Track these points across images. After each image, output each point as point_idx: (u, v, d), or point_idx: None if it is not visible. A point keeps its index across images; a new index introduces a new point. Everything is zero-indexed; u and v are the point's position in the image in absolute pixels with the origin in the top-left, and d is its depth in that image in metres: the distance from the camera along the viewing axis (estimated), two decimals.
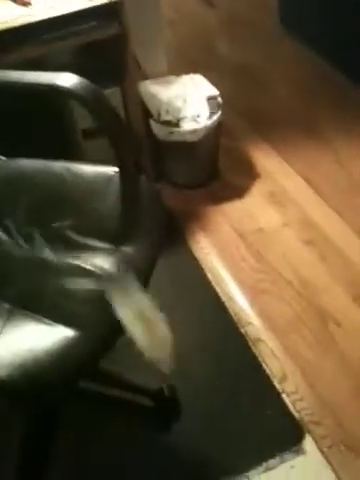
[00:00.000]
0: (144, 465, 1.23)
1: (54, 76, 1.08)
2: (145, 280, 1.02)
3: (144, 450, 1.26)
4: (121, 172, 1.06)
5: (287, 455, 1.24)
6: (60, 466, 1.21)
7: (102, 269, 0.96)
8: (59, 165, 1.15)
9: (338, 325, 1.48)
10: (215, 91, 1.84)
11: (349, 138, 2.13)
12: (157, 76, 1.89)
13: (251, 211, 1.86)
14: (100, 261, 0.98)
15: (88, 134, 1.74)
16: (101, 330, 0.88)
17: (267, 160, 2.06)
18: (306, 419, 1.30)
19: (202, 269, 1.67)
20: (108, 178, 1.10)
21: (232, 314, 1.54)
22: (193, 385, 1.37)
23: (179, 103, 1.79)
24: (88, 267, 0.96)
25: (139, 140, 1.79)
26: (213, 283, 1.63)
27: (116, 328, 0.91)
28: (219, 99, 1.83)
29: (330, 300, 1.54)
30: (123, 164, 1.06)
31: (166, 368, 0.83)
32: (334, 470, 1.21)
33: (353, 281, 1.59)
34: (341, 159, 2.02)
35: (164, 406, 1.32)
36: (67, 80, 1.07)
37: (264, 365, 1.41)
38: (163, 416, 1.32)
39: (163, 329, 0.83)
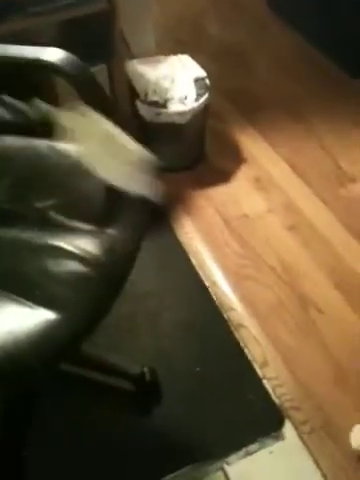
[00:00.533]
0: (124, 450, 1.23)
1: (39, 50, 1.05)
2: (130, 263, 1.00)
3: (124, 434, 1.25)
4: None
5: (267, 440, 1.25)
6: (40, 450, 1.20)
7: (85, 251, 0.94)
8: (43, 143, 1.12)
9: (319, 311, 1.48)
10: (203, 72, 1.81)
11: (335, 125, 2.12)
12: (145, 55, 1.84)
13: (236, 196, 1.85)
14: (83, 243, 0.96)
15: None
16: (83, 313, 0.86)
17: (253, 145, 2.04)
18: (286, 405, 1.30)
19: (186, 253, 1.66)
20: None
21: (215, 299, 1.53)
22: (175, 369, 1.36)
23: (167, 84, 1.76)
24: (71, 249, 0.94)
25: (125, 120, 1.76)
26: (197, 267, 1.62)
27: (98, 311, 0.89)
28: (207, 81, 1.80)
29: (312, 286, 1.54)
30: None
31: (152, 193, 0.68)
32: (313, 455, 1.22)
33: (335, 268, 1.59)
34: (327, 146, 2.02)
35: (145, 390, 1.32)
36: (53, 54, 1.04)
37: (246, 350, 1.41)
38: (144, 400, 1.31)
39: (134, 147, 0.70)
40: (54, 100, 1.67)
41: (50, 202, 1.03)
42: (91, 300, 0.89)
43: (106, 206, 1.01)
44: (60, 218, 1.00)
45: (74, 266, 0.92)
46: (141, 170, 0.62)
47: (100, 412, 1.28)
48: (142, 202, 1.05)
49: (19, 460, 1.15)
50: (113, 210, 1.01)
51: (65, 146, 1.12)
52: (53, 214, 1.01)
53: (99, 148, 0.58)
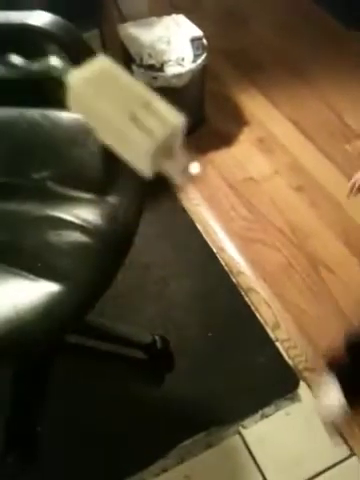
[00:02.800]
0: (140, 418, 1.23)
1: (25, 15, 1.00)
2: (132, 231, 0.98)
3: (138, 403, 1.25)
4: None
5: (282, 402, 1.24)
6: (52, 421, 1.20)
7: (85, 220, 0.92)
8: (36, 113, 1.08)
9: (329, 270, 1.46)
10: (199, 32, 1.75)
11: (338, 80, 2.06)
12: (137, 18, 1.78)
13: (240, 159, 1.81)
14: (83, 212, 0.93)
15: None
16: (86, 283, 0.85)
17: (255, 105, 1.99)
18: (300, 366, 1.29)
19: (192, 220, 1.63)
20: (86, 127, 1.04)
21: (223, 264, 1.51)
22: (186, 336, 1.35)
23: (162, 46, 1.70)
24: (71, 219, 0.92)
25: None
26: (203, 234, 1.59)
27: (101, 281, 0.88)
28: (204, 40, 1.74)
29: (321, 246, 1.52)
30: None
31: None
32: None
33: (344, 226, 1.56)
34: (330, 102, 1.96)
35: (157, 358, 1.31)
36: (39, 18, 1.00)
37: (257, 314, 1.39)
38: (157, 368, 1.31)
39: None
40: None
41: (47, 172, 1.00)
42: (94, 270, 0.87)
43: (105, 174, 0.98)
44: (58, 188, 0.98)
45: (75, 236, 0.90)
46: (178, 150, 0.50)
47: (114, 382, 1.28)
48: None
49: (33, 434, 1.15)
50: (112, 178, 0.98)
51: (60, 114, 1.09)
52: (51, 184, 0.98)
53: (123, 123, 0.45)
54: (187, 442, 1.19)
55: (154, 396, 1.26)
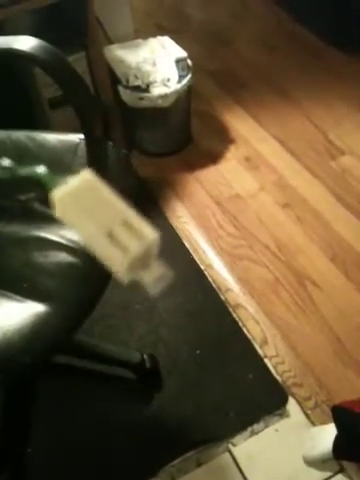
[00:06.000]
0: (129, 438, 1.22)
1: (11, 39, 1.02)
2: None
3: (128, 423, 1.25)
4: (87, 139, 1.02)
5: (271, 419, 1.25)
6: (42, 441, 1.20)
7: (71, 240, 0.93)
8: (22, 134, 1.10)
9: (316, 286, 1.47)
10: (183, 53, 1.78)
11: (322, 99, 2.10)
12: (123, 40, 1.81)
13: (226, 177, 1.83)
14: (69, 232, 0.94)
15: (55, 103, 1.68)
16: (72, 304, 0.85)
17: (240, 124, 2.02)
18: (288, 382, 1.30)
19: (179, 238, 1.65)
20: (74, 146, 1.05)
21: (211, 281, 1.52)
22: (175, 354, 1.35)
23: (148, 67, 1.73)
24: (57, 239, 0.92)
25: (107, 107, 1.74)
26: (191, 251, 1.60)
27: (88, 301, 0.88)
28: (188, 61, 1.77)
29: (307, 262, 1.53)
30: (89, 131, 1.01)
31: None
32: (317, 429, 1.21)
33: (329, 242, 1.58)
34: (315, 120, 1.99)
35: (146, 377, 1.31)
36: (25, 43, 1.01)
37: (245, 330, 1.40)
38: (146, 387, 1.31)
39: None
40: (37, 93, 1.65)
41: (33, 194, 1.01)
42: (80, 289, 0.88)
43: None
44: (45, 209, 0.99)
45: (61, 256, 0.91)
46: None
47: (103, 402, 1.28)
48: (126, 191, 1.04)
49: (23, 455, 1.14)
50: None
51: (46, 135, 1.11)
52: (37, 205, 0.99)
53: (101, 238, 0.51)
54: (177, 461, 1.19)
55: (143, 415, 1.26)
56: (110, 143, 1.09)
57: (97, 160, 1.00)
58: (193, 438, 1.23)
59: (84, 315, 0.89)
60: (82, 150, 1.03)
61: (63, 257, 0.91)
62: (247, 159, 1.88)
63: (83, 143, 1.02)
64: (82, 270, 0.89)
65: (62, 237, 0.94)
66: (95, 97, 1.60)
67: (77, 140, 1.05)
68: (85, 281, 0.89)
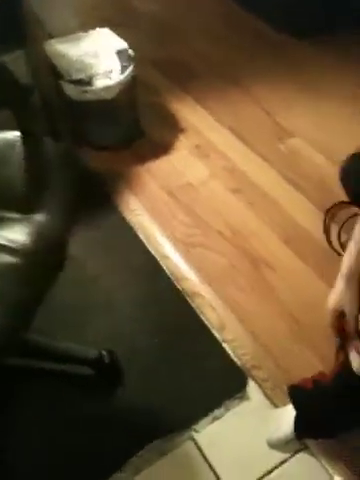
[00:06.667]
0: (92, 434, 1.22)
1: None
2: (61, 247, 0.98)
3: (90, 419, 1.24)
4: (24, 137, 1.00)
5: (232, 402, 1.26)
6: (4, 444, 1.18)
7: (12, 240, 0.91)
8: None
9: (271, 269, 1.49)
10: (124, 44, 1.76)
11: (271, 83, 2.12)
12: (63, 34, 1.79)
13: (178, 166, 1.83)
14: (9, 232, 0.93)
15: None
16: (16, 304, 0.84)
17: (190, 113, 2.02)
18: (248, 365, 1.31)
19: (134, 230, 1.64)
20: (10, 144, 1.04)
21: (167, 271, 1.52)
22: (133, 346, 1.35)
23: (90, 60, 1.71)
24: None
25: (52, 103, 1.71)
26: (146, 243, 1.60)
27: (31, 300, 0.87)
28: (130, 51, 1.76)
29: (262, 245, 1.55)
30: (25, 130, 1.00)
31: None
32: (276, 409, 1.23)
33: (282, 224, 1.60)
34: (263, 105, 2.01)
35: (105, 372, 1.30)
36: None
37: (202, 317, 1.40)
38: (105, 382, 1.30)
39: None
40: None
41: None
42: (23, 289, 0.87)
43: (29, 192, 0.98)
44: None
45: (2, 257, 0.89)
46: None
47: (63, 400, 1.26)
48: (68, 185, 1.03)
49: None
50: (37, 195, 0.98)
51: None
52: None
53: None
54: (141, 452, 1.19)
55: (104, 410, 1.25)
56: (49, 138, 1.08)
57: (33, 156, 0.98)
58: (156, 428, 1.23)
59: (30, 314, 0.88)
60: (19, 148, 1.01)
61: (3, 258, 0.89)
62: (197, 147, 1.88)
63: (19, 141, 1.01)
64: (23, 270, 0.88)
65: (3, 238, 0.92)
66: (32, 96, 1.57)
67: (12, 137, 1.03)
68: (27, 280, 0.88)
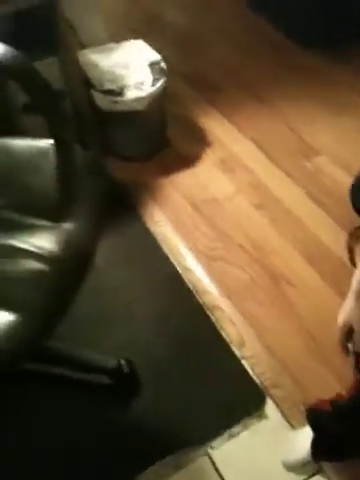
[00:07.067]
0: (106, 444, 1.22)
1: None
2: (89, 256, 0.98)
3: (105, 429, 1.24)
4: (56, 144, 1.01)
5: (250, 420, 1.25)
6: (15, 451, 1.19)
7: (40, 247, 0.92)
8: None
9: (291, 286, 1.48)
10: (157, 56, 1.78)
11: (297, 101, 2.11)
12: (96, 44, 1.81)
13: (202, 180, 1.83)
14: (38, 239, 0.94)
15: (31, 109, 1.66)
16: (41, 311, 0.85)
17: (216, 126, 2.02)
18: (266, 383, 1.30)
19: (157, 242, 1.64)
20: (43, 152, 1.05)
21: (189, 284, 1.52)
22: (152, 358, 1.35)
23: (121, 71, 1.73)
24: (25, 247, 0.92)
25: (82, 112, 1.73)
26: (168, 254, 1.60)
27: (58, 307, 0.88)
28: (162, 64, 1.78)
29: (283, 262, 1.54)
30: (58, 137, 1.01)
31: None
32: (295, 430, 1.22)
33: (304, 241, 1.59)
34: (289, 122, 2.01)
35: (123, 382, 1.30)
36: None
37: (222, 332, 1.40)
38: (123, 393, 1.30)
39: None
40: (8, 98, 1.63)
41: (3, 201, 1.00)
42: (49, 297, 0.87)
43: (59, 200, 0.99)
44: (13, 216, 0.98)
45: (30, 264, 0.90)
46: None
47: (79, 409, 1.27)
48: (96, 195, 1.04)
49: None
50: (67, 204, 0.99)
51: (12, 142, 1.10)
52: (6, 213, 0.99)
53: None
54: (156, 466, 1.18)
55: (121, 420, 1.25)
56: (82, 150, 1.09)
57: (66, 166, 0.99)
58: (171, 442, 1.22)
59: (54, 322, 0.89)
60: (51, 156, 1.02)
61: (32, 265, 0.90)
62: (223, 161, 1.88)
63: (52, 149, 1.02)
64: (51, 277, 0.89)
65: (32, 244, 0.93)
66: (63, 103, 1.59)
67: (46, 146, 1.05)
68: (54, 288, 0.89)
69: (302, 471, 1.17)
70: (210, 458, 1.20)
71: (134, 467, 1.19)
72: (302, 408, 1.24)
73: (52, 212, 0.97)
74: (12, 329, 0.80)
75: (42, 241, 0.93)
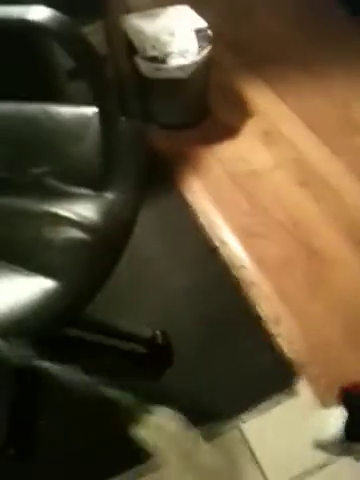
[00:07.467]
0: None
1: (23, 10, 0.99)
2: (129, 226, 0.98)
3: (138, 396, 1.26)
4: (100, 113, 1.00)
5: (281, 397, 1.24)
6: (53, 412, 1.22)
7: (82, 216, 0.92)
8: (35, 107, 1.09)
9: (330, 266, 1.45)
10: (204, 23, 1.73)
11: (346, 74, 2.03)
12: (142, 9, 1.77)
13: (243, 152, 1.80)
14: (80, 208, 0.94)
15: (75, 74, 1.65)
16: (81, 279, 0.85)
17: (260, 97, 1.97)
18: (299, 360, 1.29)
19: (193, 213, 1.63)
20: (87, 119, 1.04)
21: (225, 258, 1.51)
22: (185, 330, 1.35)
23: (166, 37, 1.69)
24: (67, 214, 0.92)
25: (123, 78, 1.71)
26: (205, 227, 1.59)
27: (97, 277, 0.88)
28: (209, 31, 1.73)
29: (323, 241, 1.51)
30: (102, 104, 0.99)
31: None
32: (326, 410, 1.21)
33: (346, 222, 1.55)
34: (337, 96, 1.94)
35: (157, 353, 1.32)
36: (38, 13, 0.99)
37: (257, 308, 1.39)
38: (156, 363, 1.31)
39: None
40: (54, 64, 1.61)
41: (45, 168, 1.00)
42: (89, 266, 0.88)
43: (102, 170, 0.99)
44: (56, 184, 0.98)
45: (71, 232, 0.91)
46: None
47: (113, 375, 1.28)
48: (138, 164, 1.02)
49: (35, 426, 1.17)
50: (110, 173, 0.98)
51: (59, 109, 1.09)
52: (49, 180, 0.99)
53: None
54: None
55: (152, 390, 1.26)
56: (124, 118, 1.08)
57: (109, 135, 0.98)
58: (202, 414, 1.23)
59: (94, 291, 0.89)
60: (95, 125, 1.01)
61: (73, 233, 0.90)
62: (266, 134, 1.84)
63: (96, 117, 1.01)
64: (92, 246, 0.89)
65: (73, 213, 0.93)
66: (110, 70, 1.57)
67: (90, 113, 1.04)
68: (95, 257, 0.89)
69: (332, 450, 1.16)
70: (241, 432, 1.20)
71: None
72: (335, 388, 1.23)
73: (94, 181, 0.97)
74: (53, 295, 0.81)
75: (84, 210, 0.93)
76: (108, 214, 0.93)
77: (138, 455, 1.17)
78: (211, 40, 1.73)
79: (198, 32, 1.72)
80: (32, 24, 0.97)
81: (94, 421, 1.23)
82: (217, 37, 1.81)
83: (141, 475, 1.16)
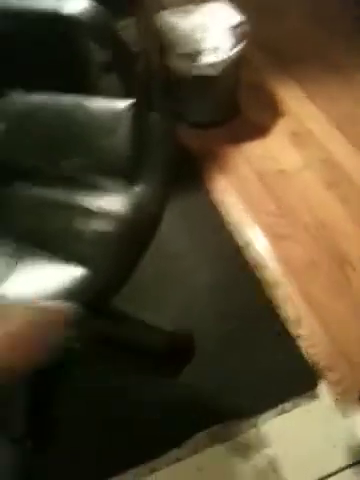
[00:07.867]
0: (156, 408, 1.24)
1: (59, 2, 1.00)
2: (157, 220, 0.98)
3: (156, 393, 1.26)
4: (131, 107, 1.01)
5: (300, 400, 1.23)
6: (74, 403, 1.23)
7: (111, 209, 0.93)
8: (69, 99, 1.10)
9: (355, 270, 1.44)
10: (239, 18, 1.71)
11: None
12: (175, 6, 1.77)
13: (272, 151, 1.79)
14: (109, 200, 0.94)
15: (108, 68, 1.66)
16: (109, 270, 0.86)
17: (291, 97, 1.96)
18: (320, 364, 1.28)
19: (220, 211, 1.63)
20: (118, 113, 1.04)
21: (249, 257, 1.50)
22: (206, 328, 1.35)
23: (198, 34, 1.69)
24: (97, 206, 0.93)
25: (155, 74, 1.71)
26: (231, 226, 1.59)
27: (124, 268, 0.89)
28: (245, 27, 1.71)
29: (348, 244, 1.49)
30: (133, 98, 1.00)
31: None
32: (347, 415, 1.20)
33: None
34: None
35: (178, 349, 1.31)
36: (72, 6, 1.00)
37: (279, 309, 1.38)
38: (177, 359, 1.31)
39: None
40: (88, 56, 1.62)
41: (76, 160, 1.01)
42: (118, 256, 0.88)
43: (132, 163, 0.99)
44: (86, 176, 0.99)
45: (100, 224, 0.92)
46: None
47: (133, 372, 1.29)
48: (167, 159, 1.03)
49: (55, 417, 1.18)
50: (139, 167, 0.99)
51: (92, 101, 1.10)
52: (79, 172, 1.00)
53: None
54: (203, 433, 1.20)
55: (171, 387, 1.27)
56: (154, 113, 1.08)
57: (139, 126, 0.99)
58: (220, 413, 1.23)
59: (122, 281, 0.90)
60: (126, 119, 1.02)
61: (102, 225, 0.91)
62: (295, 134, 1.83)
63: (127, 111, 1.01)
64: (120, 238, 0.90)
65: (103, 205, 0.94)
66: (141, 65, 1.57)
67: (122, 107, 1.04)
68: (122, 249, 0.90)
69: (355, 454, 1.15)
70: (258, 431, 1.20)
71: (181, 433, 1.20)
72: (355, 394, 1.22)
73: (124, 174, 0.97)
74: (83, 284, 0.82)
75: (113, 202, 0.94)
76: (137, 207, 0.94)
77: (156, 448, 1.18)
78: (246, 35, 1.71)
79: (233, 28, 1.71)
80: (66, 17, 0.98)
81: (113, 415, 1.23)
82: (249, 36, 1.80)
83: (154, 470, 1.16)
